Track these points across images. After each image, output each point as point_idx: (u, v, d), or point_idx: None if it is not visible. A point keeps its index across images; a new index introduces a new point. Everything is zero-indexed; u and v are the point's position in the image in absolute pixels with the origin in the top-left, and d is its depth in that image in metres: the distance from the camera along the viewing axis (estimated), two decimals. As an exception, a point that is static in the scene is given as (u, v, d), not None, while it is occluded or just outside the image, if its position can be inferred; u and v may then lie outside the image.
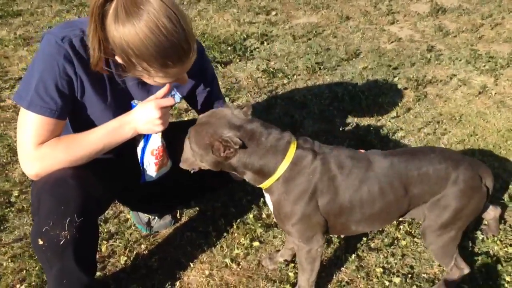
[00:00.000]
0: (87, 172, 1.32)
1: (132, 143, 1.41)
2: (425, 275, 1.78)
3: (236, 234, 1.94)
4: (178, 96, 1.40)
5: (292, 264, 1.79)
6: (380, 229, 1.95)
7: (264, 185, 1.46)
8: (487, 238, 1.91)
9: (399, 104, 2.92)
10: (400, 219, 1.94)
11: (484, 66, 3.39)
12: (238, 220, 2.00)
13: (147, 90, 1.46)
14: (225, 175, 1.54)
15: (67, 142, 1.29)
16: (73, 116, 1.37)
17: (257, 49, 3.65)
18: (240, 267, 1.81)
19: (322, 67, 3.35)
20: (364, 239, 1.91)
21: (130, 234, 1.94)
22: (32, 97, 1.24)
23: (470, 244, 1.89)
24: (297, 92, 3.04)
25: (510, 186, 2.19)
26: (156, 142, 1.41)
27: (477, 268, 1.78)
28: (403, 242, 1.89)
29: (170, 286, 1.71)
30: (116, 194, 1.67)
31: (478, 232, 1.94)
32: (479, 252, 1.87)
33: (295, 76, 3.25)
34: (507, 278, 1.72)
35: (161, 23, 1.13)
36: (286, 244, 1.78)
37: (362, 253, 1.86)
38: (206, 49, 3.08)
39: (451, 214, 1.50)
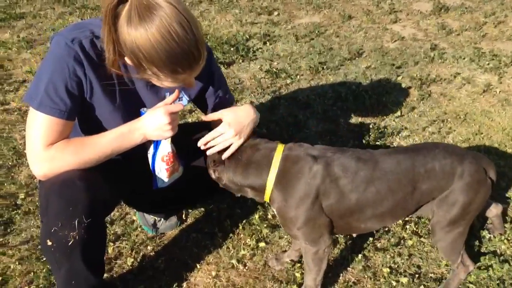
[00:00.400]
0: (95, 173, 1.33)
1: (141, 147, 1.41)
2: (432, 275, 1.77)
3: (242, 235, 1.94)
4: (185, 99, 1.41)
5: (299, 264, 1.79)
6: (386, 229, 1.95)
7: (266, 198, 1.49)
8: (494, 237, 1.91)
9: (403, 103, 2.92)
10: (408, 217, 1.93)
11: (488, 64, 3.38)
12: (244, 221, 2.00)
13: (156, 92, 1.47)
14: None
15: (76, 145, 1.29)
16: (81, 117, 1.38)
17: (260, 50, 3.65)
18: (246, 268, 1.81)
19: (325, 67, 3.34)
20: (371, 239, 1.90)
21: (136, 236, 1.94)
22: (42, 98, 1.24)
23: (477, 244, 1.88)
24: (300, 92, 3.04)
25: (516, 184, 2.19)
26: (166, 148, 1.41)
27: (484, 267, 1.78)
28: (410, 242, 1.89)
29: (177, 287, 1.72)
30: (123, 196, 1.68)
31: (485, 232, 1.93)
32: (486, 251, 1.86)
33: (298, 76, 3.24)
34: (515, 277, 1.72)
35: (173, 29, 1.14)
36: (293, 245, 1.78)
37: (368, 253, 1.86)
38: (209, 50, 3.07)
39: (460, 209, 1.51)
